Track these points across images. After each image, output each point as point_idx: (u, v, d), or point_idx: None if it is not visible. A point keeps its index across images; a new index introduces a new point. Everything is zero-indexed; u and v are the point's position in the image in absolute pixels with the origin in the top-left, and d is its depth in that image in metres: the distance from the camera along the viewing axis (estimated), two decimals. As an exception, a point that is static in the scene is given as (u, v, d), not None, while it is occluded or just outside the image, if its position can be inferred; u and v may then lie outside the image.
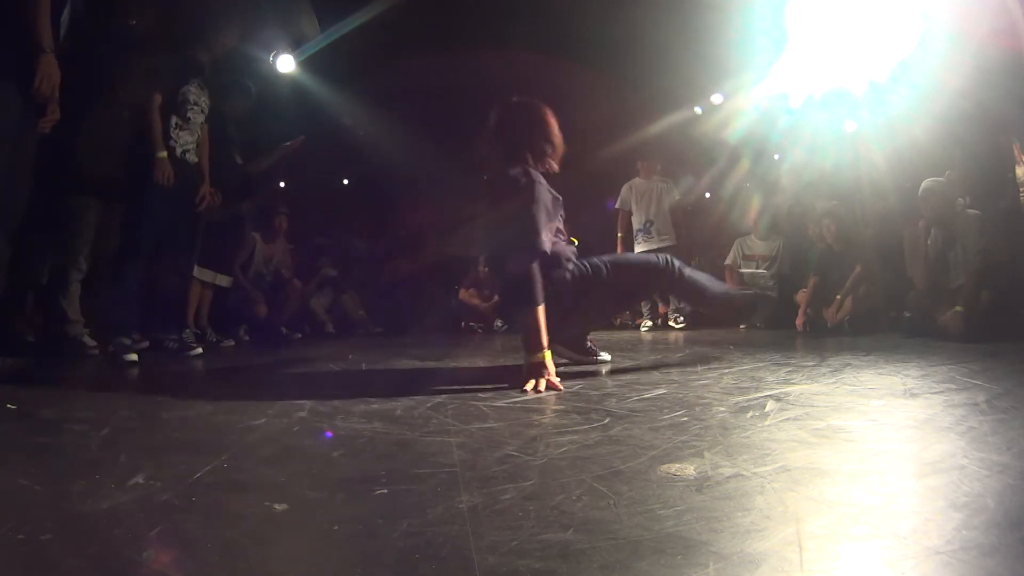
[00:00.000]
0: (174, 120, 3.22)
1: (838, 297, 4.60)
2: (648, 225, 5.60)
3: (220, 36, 3.36)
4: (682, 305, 5.45)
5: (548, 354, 1.99)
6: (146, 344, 3.26)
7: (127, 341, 3.00)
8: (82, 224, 3.14)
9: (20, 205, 2.23)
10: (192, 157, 3.35)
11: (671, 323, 5.57)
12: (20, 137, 2.18)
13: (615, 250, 5.68)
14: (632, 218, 5.72)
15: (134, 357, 2.87)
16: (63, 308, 3.12)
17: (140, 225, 3.14)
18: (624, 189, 5.77)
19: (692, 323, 5.49)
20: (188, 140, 3.30)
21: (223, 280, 4.37)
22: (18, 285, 3.04)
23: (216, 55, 3.40)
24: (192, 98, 3.29)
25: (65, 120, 2.37)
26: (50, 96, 2.18)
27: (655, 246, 5.48)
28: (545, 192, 2.19)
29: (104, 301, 3.20)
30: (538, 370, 1.93)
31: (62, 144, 2.65)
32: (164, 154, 3.10)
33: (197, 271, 4.03)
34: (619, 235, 5.74)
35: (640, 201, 5.67)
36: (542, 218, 2.11)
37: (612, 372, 2.35)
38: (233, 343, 4.29)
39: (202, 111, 3.35)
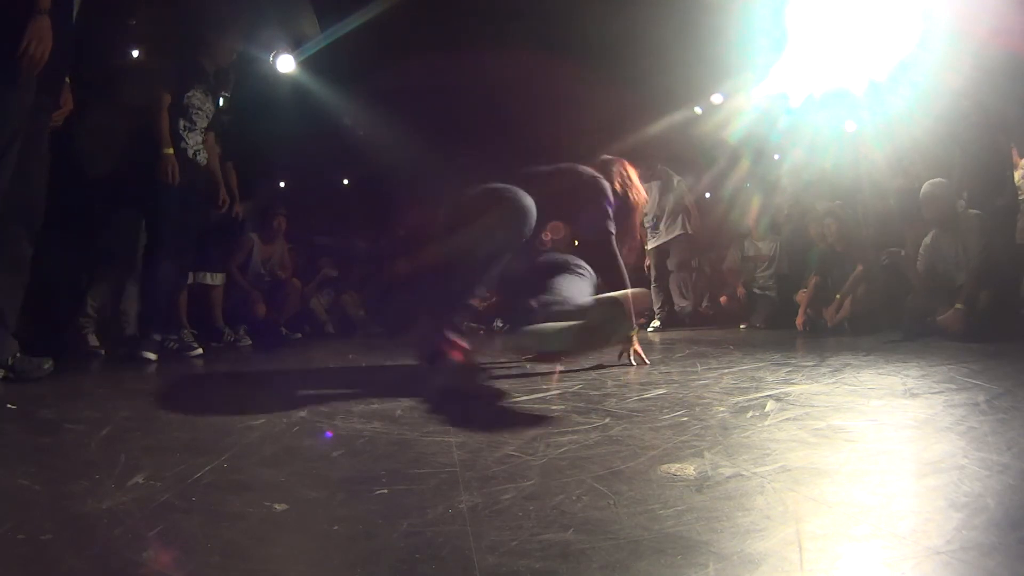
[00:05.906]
0: (182, 123, 3.21)
1: (838, 297, 4.60)
2: (655, 220, 5.62)
3: (223, 42, 3.35)
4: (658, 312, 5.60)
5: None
6: (173, 345, 3.33)
7: (158, 337, 3.04)
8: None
9: (40, 202, 2.15)
10: (202, 159, 3.34)
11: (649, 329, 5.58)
12: (33, 131, 2.08)
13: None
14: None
15: (153, 356, 2.89)
16: (87, 302, 3.20)
17: (160, 225, 3.18)
18: None
19: (690, 323, 5.51)
20: (197, 141, 3.30)
21: (214, 278, 4.38)
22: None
23: (219, 62, 3.40)
24: (196, 103, 3.29)
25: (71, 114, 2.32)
26: (40, 61, 1.96)
27: (663, 240, 5.56)
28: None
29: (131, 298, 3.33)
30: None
31: (63, 141, 2.59)
32: (170, 151, 3.09)
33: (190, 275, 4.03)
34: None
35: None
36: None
37: (612, 372, 2.35)
38: (251, 342, 4.34)
39: (206, 116, 3.35)
